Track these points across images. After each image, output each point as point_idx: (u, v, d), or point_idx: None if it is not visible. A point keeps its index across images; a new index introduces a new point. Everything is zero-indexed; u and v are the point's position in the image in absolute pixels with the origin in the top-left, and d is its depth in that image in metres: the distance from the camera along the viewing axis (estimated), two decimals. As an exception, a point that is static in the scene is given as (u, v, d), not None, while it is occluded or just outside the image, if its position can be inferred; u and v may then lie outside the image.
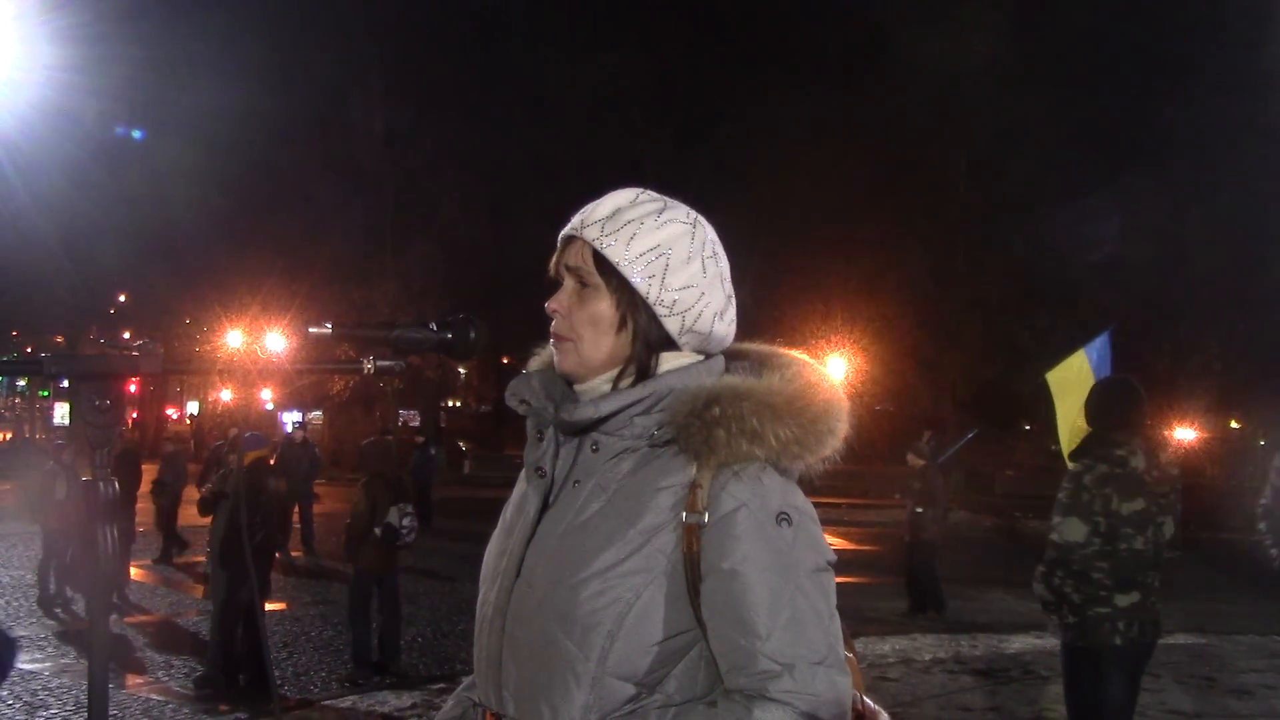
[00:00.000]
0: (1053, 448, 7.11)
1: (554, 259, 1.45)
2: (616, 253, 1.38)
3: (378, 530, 7.00)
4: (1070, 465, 3.88)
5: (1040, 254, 27.94)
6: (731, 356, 1.46)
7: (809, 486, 1.39)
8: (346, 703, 6.51)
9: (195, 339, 32.64)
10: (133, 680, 7.02)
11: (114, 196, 28.85)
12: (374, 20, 30.75)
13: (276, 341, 26.78)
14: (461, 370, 40.16)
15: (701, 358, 1.42)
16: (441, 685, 6.83)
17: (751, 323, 1.53)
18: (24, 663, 7.08)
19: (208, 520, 7.14)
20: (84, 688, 2.22)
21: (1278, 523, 4.54)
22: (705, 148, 30.93)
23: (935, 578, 9.83)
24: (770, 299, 25.50)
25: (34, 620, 8.91)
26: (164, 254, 31.02)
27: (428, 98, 30.55)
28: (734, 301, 1.46)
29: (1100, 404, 3.91)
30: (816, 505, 1.38)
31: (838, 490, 20.57)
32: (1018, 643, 8.35)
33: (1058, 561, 3.66)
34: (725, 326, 1.43)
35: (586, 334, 1.40)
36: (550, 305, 1.43)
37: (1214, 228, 26.97)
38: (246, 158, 28.93)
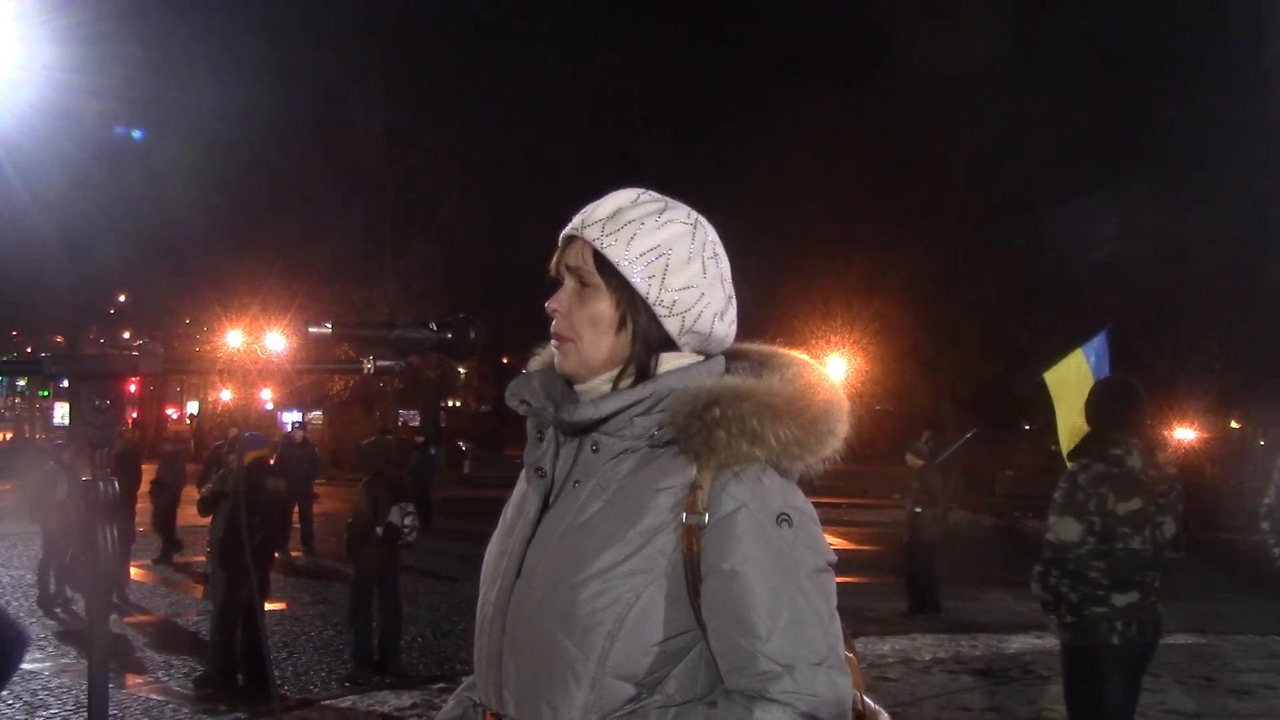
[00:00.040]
0: (1052, 448, 7.11)
1: (554, 259, 1.45)
2: (617, 253, 1.38)
3: (379, 530, 7.00)
4: (1069, 465, 3.88)
5: (1040, 254, 27.94)
6: (731, 357, 1.46)
7: (809, 487, 1.39)
8: (346, 703, 6.51)
9: (195, 339, 32.65)
10: (133, 680, 7.02)
11: (114, 196, 28.90)
12: (374, 20, 30.83)
13: (276, 341, 26.80)
14: (461, 370, 40.17)
15: (701, 358, 1.42)
16: (441, 685, 6.82)
17: (752, 323, 1.53)
18: (24, 662, 7.08)
19: (208, 520, 7.14)
20: (84, 688, 2.22)
21: (1280, 522, 4.54)
22: (705, 148, 30.95)
23: (933, 578, 9.83)
24: (770, 299, 25.46)
25: (34, 620, 8.91)
26: (164, 254, 31.05)
27: (428, 98, 30.62)
28: (734, 302, 1.45)
29: (1100, 404, 3.91)
30: (816, 505, 1.38)
31: (838, 490, 20.58)
32: (1018, 643, 8.35)
33: (1053, 561, 3.66)
34: (725, 327, 1.43)
35: (586, 334, 1.40)
36: (550, 305, 1.43)
37: (1214, 228, 26.99)
38: (246, 158, 28.98)
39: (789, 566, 1.29)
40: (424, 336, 1.37)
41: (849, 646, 1.41)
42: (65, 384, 1.30)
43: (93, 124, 26.29)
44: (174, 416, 48.24)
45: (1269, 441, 27.40)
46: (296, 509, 13.62)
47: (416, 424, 29.58)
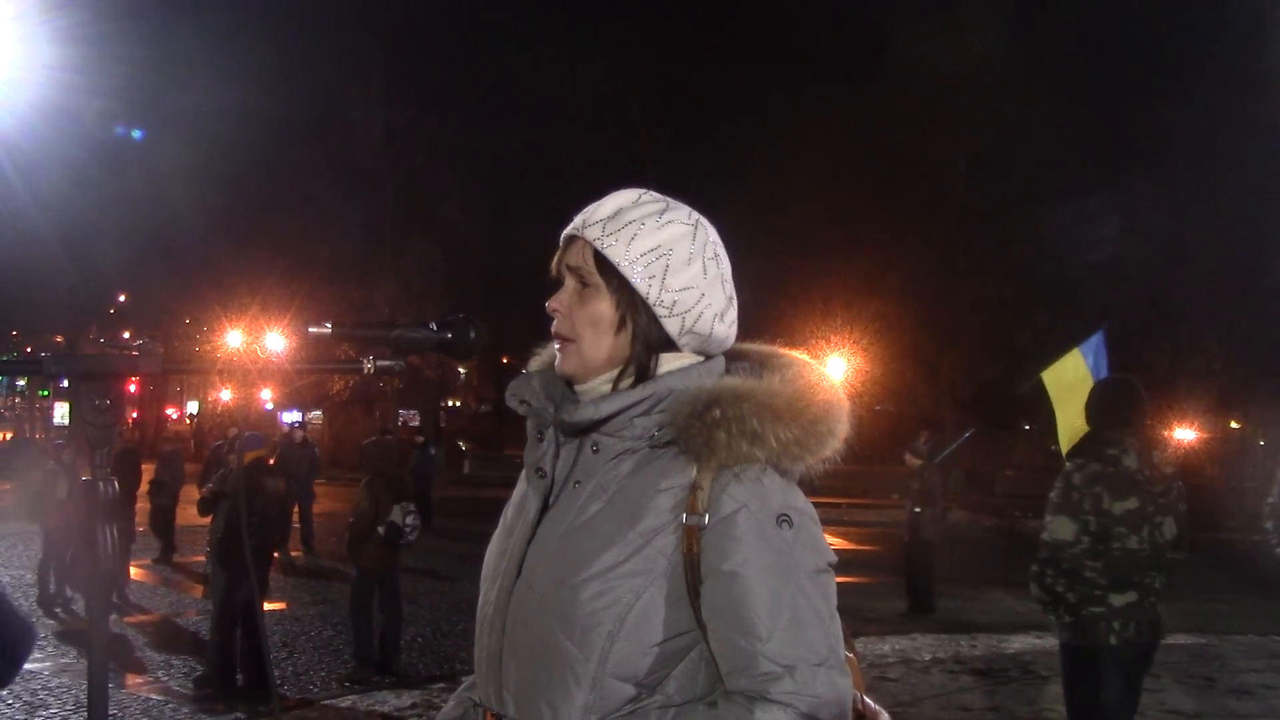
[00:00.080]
0: (1052, 448, 7.11)
1: (555, 259, 1.45)
2: (617, 253, 1.37)
3: (381, 529, 7.00)
4: (1066, 465, 3.88)
5: (1040, 254, 27.96)
6: (732, 357, 1.46)
7: (809, 487, 1.39)
8: (346, 703, 6.51)
9: (195, 339, 32.65)
10: (132, 680, 7.02)
11: (114, 196, 28.90)
12: (374, 20, 30.82)
13: (276, 341, 26.77)
14: (461, 370, 40.17)
15: (701, 359, 1.42)
16: (441, 685, 6.82)
17: (752, 323, 1.53)
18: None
19: (207, 520, 7.14)
20: (84, 687, 2.22)
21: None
22: (705, 148, 30.98)
23: (931, 578, 9.83)
24: (770, 299, 25.47)
25: (34, 620, 8.91)
26: (164, 254, 31.07)
27: (428, 98, 30.57)
28: (735, 303, 1.45)
29: (1100, 404, 3.91)
30: (816, 505, 1.38)
31: (838, 490, 20.57)
32: (1017, 643, 8.35)
33: (1049, 561, 3.66)
34: (726, 328, 1.43)
35: (586, 334, 1.39)
36: (551, 305, 1.43)
37: (1214, 228, 26.98)
38: (246, 158, 28.97)
39: (789, 567, 1.29)
40: (424, 336, 1.37)
41: (849, 646, 1.41)
42: (65, 384, 1.30)
43: (93, 124, 26.30)
44: (174, 416, 48.26)
45: (1269, 441, 27.42)
46: (296, 509, 13.62)
47: (416, 424, 29.59)
